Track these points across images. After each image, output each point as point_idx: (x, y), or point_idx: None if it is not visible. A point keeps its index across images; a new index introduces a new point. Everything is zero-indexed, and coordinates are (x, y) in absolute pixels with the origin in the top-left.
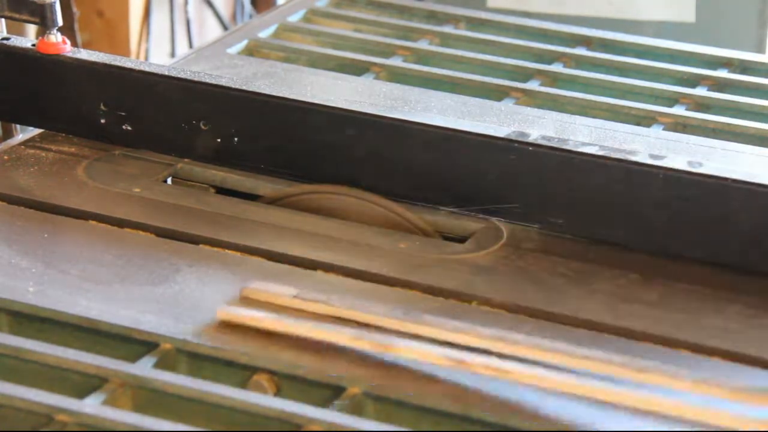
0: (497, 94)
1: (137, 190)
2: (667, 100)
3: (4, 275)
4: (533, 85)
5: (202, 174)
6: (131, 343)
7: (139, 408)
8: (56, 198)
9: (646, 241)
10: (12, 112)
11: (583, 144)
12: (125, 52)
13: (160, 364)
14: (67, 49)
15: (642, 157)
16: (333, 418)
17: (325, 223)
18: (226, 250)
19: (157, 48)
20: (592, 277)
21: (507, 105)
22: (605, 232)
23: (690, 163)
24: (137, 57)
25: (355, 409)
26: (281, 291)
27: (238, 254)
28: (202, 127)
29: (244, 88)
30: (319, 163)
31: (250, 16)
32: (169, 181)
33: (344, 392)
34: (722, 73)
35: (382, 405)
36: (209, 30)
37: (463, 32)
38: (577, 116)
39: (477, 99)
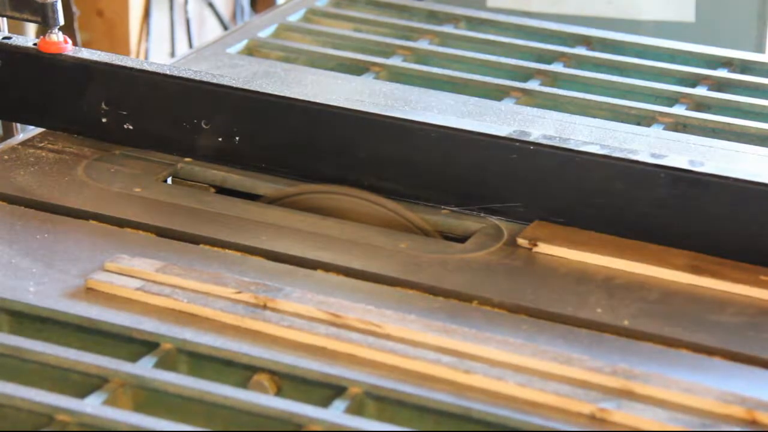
0: (497, 93)
1: (137, 189)
2: (667, 100)
3: (4, 275)
4: (533, 85)
5: (203, 174)
6: (132, 343)
7: (140, 408)
8: (56, 198)
9: (647, 237)
10: (13, 111)
11: (585, 143)
12: (125, 52)
13: (161, 364)
14: (69, 49)
15: (643, 156)
16: (334, 418)
17: (325, 223)
18: (227, 250)
19: (157, 48)
20: (591, 277)
21: (507, 105)
22: (607, 230)
23: (691, 162)
24: (137, 57)
25: (356, 408)
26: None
27: (239, 254)
28: (204, 126)
29: (245, 87)
30: (319, 163)
31: (250, 16)
32: (169, 180)
33: (345, 392)
34: (722, 73)
35: (383, 405)
36: (209, 30)
37: (463, 32)
38: (578, 116)
39: (477, 99)
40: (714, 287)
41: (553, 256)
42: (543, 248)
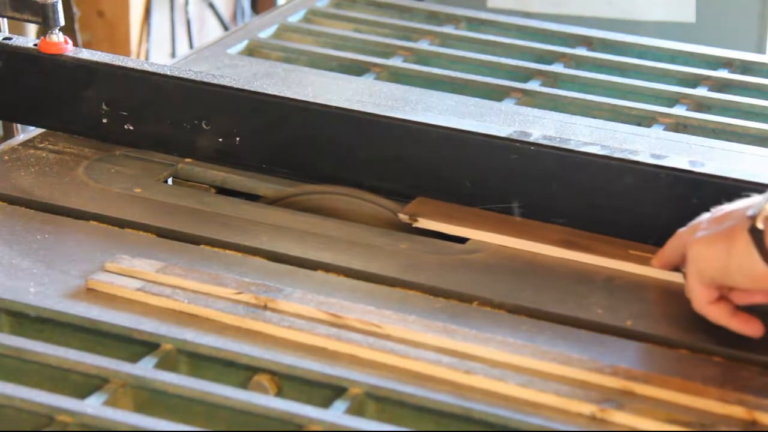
0: (498, 94)
1: (138, 190)
2: (668, 101)
3: (5, 276)
4: (534, 86)
5: (203, 174)
6: (132, 344)
7: (140, 408)
8: (57, 198)
9: (648, 238)
10: (13, 112)
11: (585, 144)
12: (125, 53)
13: (161, 365)
14: (69, 49)
15: (644, 157)
16: (334, 419)
17: (326, 223)
18: (227, 251)
19: (158, 48)
20: (592, 278)
21: (507, 105)
22: (607, 230)
23: (692, 162)
24: (138, 57)
25: (357, 409)
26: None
27: (239, 254)
28: (204, 126)
29: (245, 87)
30: (320, 163)
31: (251, 17)
32: (169, 181)
33: (346, 392)
34: (723, 74)
35: (384, 405)
36: (209, 30)
37: (463, 32)
38: (578, 116)
39: (477, 99)
40: (584, 261)
41: (432, 230)
42: (423, 223)
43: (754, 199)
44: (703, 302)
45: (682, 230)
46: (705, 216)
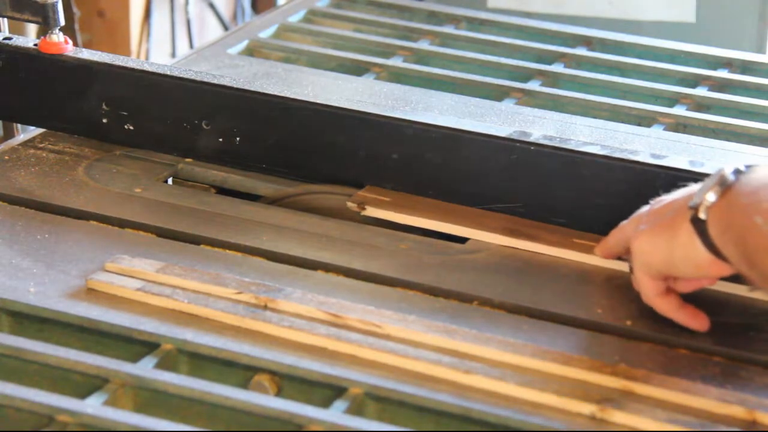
0: (498, 94)
1: (138, 190)
2: (668, 101)
3: (5, 275)
4: (534, 85)
5: (203, 174)
6: (132, 344)
7: (140, 408)
8: (57, 198)
9: None
10: (13, 112)
11: (585, 144)
12: (126, 53)
13: (161, 365)
14: (69, 49)
15: (644, 157)
16: (334, 419)
17: (325, 223)
18: (227, 251)
19: (158, 48)
20: (592, 278)
21: (508, 105)
22: (607, 230)
23: (692, 162)
24: (138, 57)
25: (357, 409)
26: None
27: (239, 254)
28: (204, 126)
29: (245, 87)
30: (320, 163)
31: (251, 17)
32: (169, 181)
33: (346, 392)
34: (722, 74)
35: (384, 405)
36: (210, 30)
37: (463, 32)
38: (578, 116)
39: (478, 99)
40: (529, 249)
41: (380, 219)
42: (370, 211)
43: (693, 189)
44: (651, 295)
45: (624, 223)
46: (645, 208)
